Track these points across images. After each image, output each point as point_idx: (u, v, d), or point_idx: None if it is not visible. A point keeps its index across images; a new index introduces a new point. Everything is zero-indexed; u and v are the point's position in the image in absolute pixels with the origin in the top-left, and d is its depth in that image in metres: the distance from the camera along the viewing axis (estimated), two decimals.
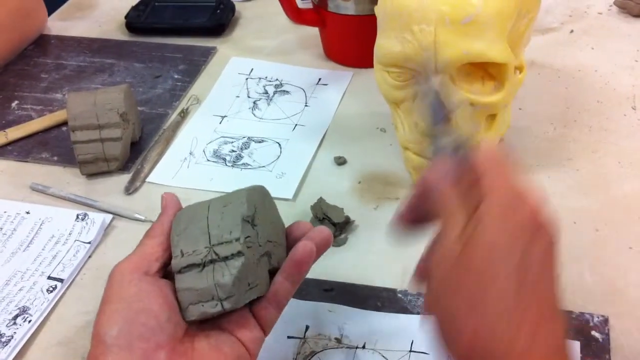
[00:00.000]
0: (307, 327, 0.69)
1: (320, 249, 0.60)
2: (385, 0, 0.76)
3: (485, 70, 0.77)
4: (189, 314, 0.55)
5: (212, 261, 0.55)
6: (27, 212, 0.85)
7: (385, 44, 0.76)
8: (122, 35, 1.20)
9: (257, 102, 1.01)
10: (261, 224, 0.58)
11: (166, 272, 0.58)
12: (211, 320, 0.56)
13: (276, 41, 1.15)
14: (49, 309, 0.74)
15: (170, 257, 0.58)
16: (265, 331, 0.58)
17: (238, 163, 0.91)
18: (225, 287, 0.54)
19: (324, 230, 0.61)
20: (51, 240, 0.81)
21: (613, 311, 0.69)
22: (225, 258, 0.55)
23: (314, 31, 1.10)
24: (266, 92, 1.03)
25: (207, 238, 0.56)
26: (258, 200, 0.59)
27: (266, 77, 1.06)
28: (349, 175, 0.88)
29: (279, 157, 0.91)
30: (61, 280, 0.77)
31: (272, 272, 0.59)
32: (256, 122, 0.98)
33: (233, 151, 0.93)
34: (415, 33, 0.72)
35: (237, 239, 0.55)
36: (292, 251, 0.58)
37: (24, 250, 0.80)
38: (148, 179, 0.90)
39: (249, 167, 0.90)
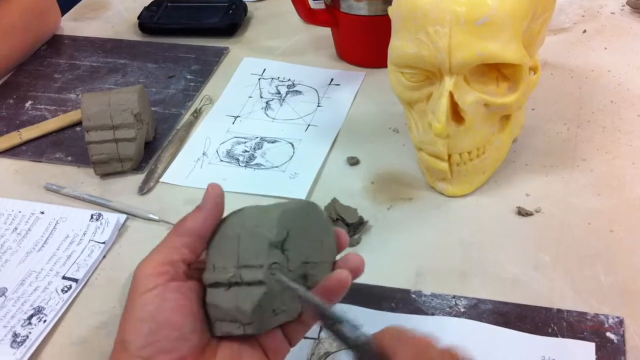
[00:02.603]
0: (321, 328, 0.69)
1: (353, 278, 0.57)
2: (400, 1, 0.75)
3: (500, 71, 0.76)
4: (216, 330, 0.55)
5: (237, 283, 0.54)
6: (42, 212, 0.85)
7: (400, 45, 0.76)
8: (134, 35, 1.20)
9: (270, 103, 1.02)
10: (296, 247, 0.55)
11: (194, 269, 0.57)
12: None
13: (288, 41, 1.15)
14: (63, 308, 0.74)
15: (198, 258, 0.57)
16: (291, 342, 0.58)
17: (251, 163, 0.91)
18: (245, 314, 0.53)
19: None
20: (66, 240, 0.82)
21: (628, 312, 0.69)
22: (249, 283, 0.53)
23: (327, 32, 1.10)
24: (279, 93, 1.03)
25: (237, 258, 0.54)
26: (296, 220, 0.56)
27: (278, 78, 1.07)
28: (362, 176, 0.88)
29: (291, 157, 0.91)
30: (76, 280, 0.77)
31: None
32: (269, 123, 0.98)
33: (246, 151, 0.93)
34: (430, 34, 0.72)
35: (261, 266, 0.53)
36: (326, 278, 0.56)
37: (38, 250, 0.81)
38: (162, 179, 0.90)
39: (262, 167, 0.90)
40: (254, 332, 0.54)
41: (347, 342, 0.51)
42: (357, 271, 0.58)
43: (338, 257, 0.59)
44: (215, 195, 0.58)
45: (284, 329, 0.57)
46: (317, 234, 0.57)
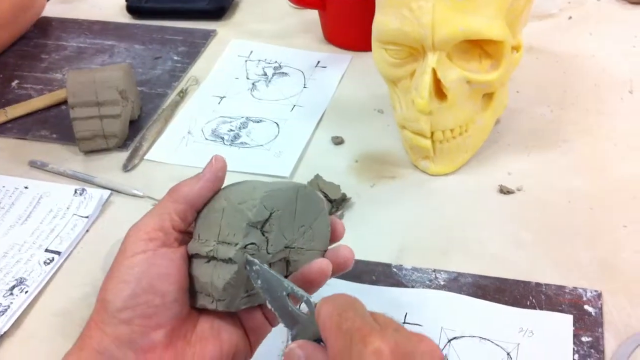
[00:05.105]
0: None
1: (338, 270, 0.57)
2: None
3: (482, 48, 0.77)
4: (196, 301, 0.55)
5: (214, 257, 0.53)
6: (26, 187, 0.86)
7: (384, 21, 0.77)
8: (122, 18, 1.20)
9: (256, 84, 1.02)
10: (279, 230, 0.54)
11: (187, 235, 0.57)
12: None
13: (276, 25, 1.15)
14: (45, 280, 0.74)
15: (189, 226, 0.57)
16: (272, 323, 0.57)
17: (236, 142, 0.91)
18: (217, 290, 0.53)
19: (347, 252, 0.57)
20: (49, 214, 0.82)
21: (606, 287, 0.69)
22: (223, 260, 0.53)
23: (314, 15, 1.10)
24: (265, 74, 1.04)
25: (218, 232, 0.54)
26: (282, 202, 0.54)
27: (265, 59, 1.07)
28: (346, 155, 0.88)
29: (276, 136, 0.92)
30: (58, 253, 0.77)
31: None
32: (255, 103, 0.98)
33: (231, 130, 0.93)
34: (413, 9, 0.73)
35: (236, 244, 0.52)
36: (307, 267, 0.54)
37: (21, 224, 0.81)
38: (146, 157, 0.90)
39: (247, 145, 0.90)
40: (225, 309, 0.53)
41: (288, 318, 0.50)
42: (344, 265, 0.57)
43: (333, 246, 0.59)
44: (216, 169, 0.57)
45: (265, 310, 0.56)
46: (307, 219, 0.56)
